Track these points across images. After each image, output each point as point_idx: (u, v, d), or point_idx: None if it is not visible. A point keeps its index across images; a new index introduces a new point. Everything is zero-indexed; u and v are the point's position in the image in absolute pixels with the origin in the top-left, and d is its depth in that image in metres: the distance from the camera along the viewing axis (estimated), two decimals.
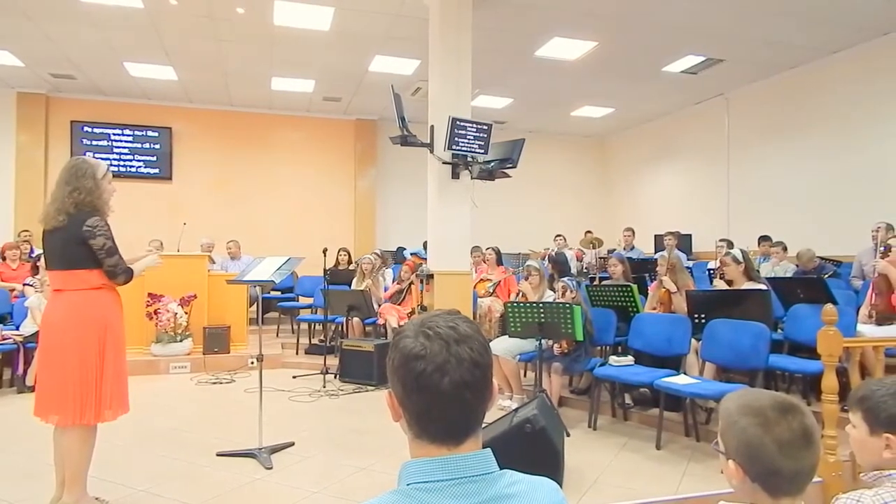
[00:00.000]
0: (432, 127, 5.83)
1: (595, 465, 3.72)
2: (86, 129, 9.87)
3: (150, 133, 10.18)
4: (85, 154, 9.65)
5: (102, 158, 9.69)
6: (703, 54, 7.95)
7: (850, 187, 7.64)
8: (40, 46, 7.74)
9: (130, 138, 10.09)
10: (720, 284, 5.22)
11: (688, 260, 8.55)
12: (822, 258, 6.84)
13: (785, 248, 7.14)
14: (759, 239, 7.77)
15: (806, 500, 1.22)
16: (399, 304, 6.93)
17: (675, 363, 4.45)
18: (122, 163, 9.97)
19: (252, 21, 6.93)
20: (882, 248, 4.57)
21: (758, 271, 5.35)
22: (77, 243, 2.81)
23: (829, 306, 3.27)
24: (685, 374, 4.31)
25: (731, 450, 1.22)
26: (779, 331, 4.90)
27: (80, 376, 2.80)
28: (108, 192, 2.97)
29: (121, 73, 8.71)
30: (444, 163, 5.72)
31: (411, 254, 8.78)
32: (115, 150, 10.00)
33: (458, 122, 5.52)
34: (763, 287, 4.79)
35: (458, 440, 0.97)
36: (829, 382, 3.26)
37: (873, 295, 4.48)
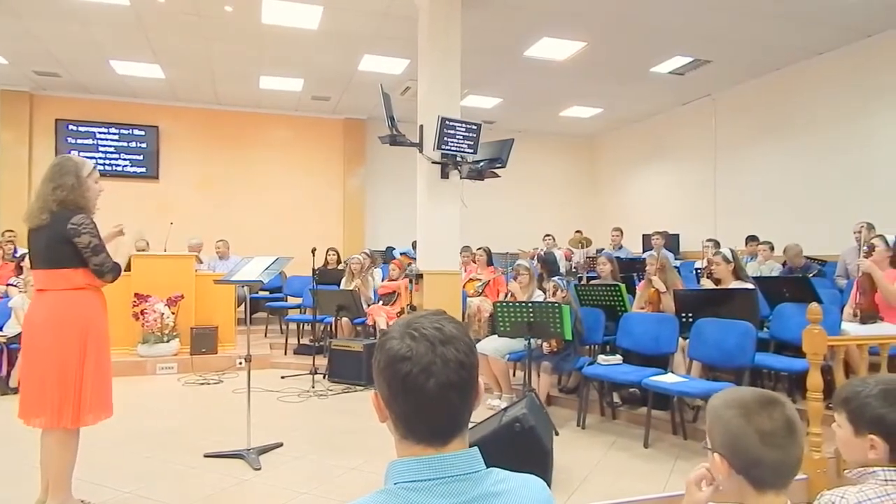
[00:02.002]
0: (421, 127, 5.82)
1: (584, 463, 3.74)
2: (70, 127, 9.76)
3: (136, 132, 10.08)
4: (70, 153, 9.58)
5: (88, 157, 9.54)
6: (691, 55, 8.01)
7: (834, 187, 7.73)
8: (24, 43, 7.64)
9: (116, 137, 9.99)
10: (707, 283, 5.26)
11: (675, 259, 8.61)
12: (807, 257, 6.93)
13: (772, 248, 7.21)
14: (746, 239, 7.85)
15: (791, 497, 1.23)
16: (390, 305, 6.92)
17: (662, 362, 4.48)
18: (107, 162, 9.86)
19: (240, 19, 6.89)
20: (866, 248, 4.63)
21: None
22: (61, 242, 2.76)
23: (814, 305, 3.31)
24: (673, 372, 4.34)
25: (717, 443, 1.25)
26: (765, 329, 4.94)
27: (59, 378, 2.74)
28: (93, 190, 2.91)
29: (106, 70, 8.62)
30: (434, 162, 5.72)
31: (401, 253, 8.77)
32: (101, 148, 9.89)
33: (447, 122, 5.52)
34: (750, 286, 4.84)
35: (444, 441, 0.97)
36: (815, 380, 3.30)
37: (857, 294, 4.53)
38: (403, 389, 0.95)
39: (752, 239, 7.79)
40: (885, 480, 1.39)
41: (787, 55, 7.94)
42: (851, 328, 4.36)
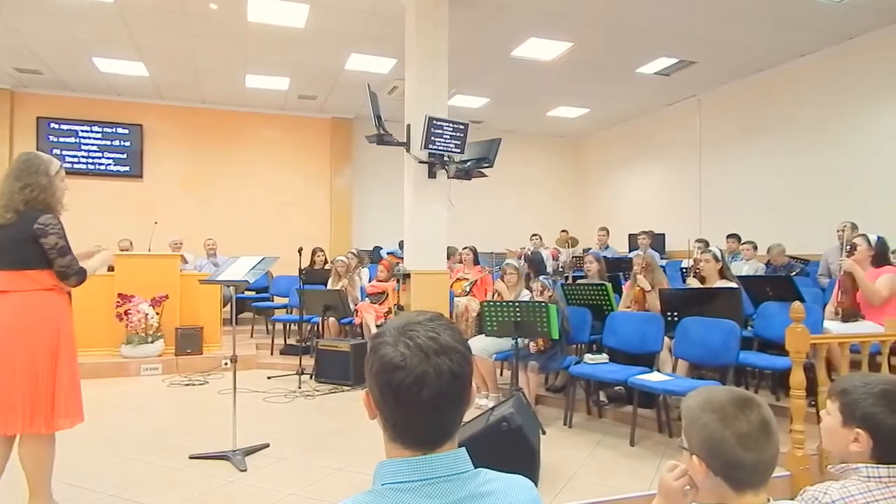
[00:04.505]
0: (409, 126, 5.81)
1: (571, 462, 3.76)
2: (52, 125, 9.62)
3: (119, 130, 9.96)
4: (52, 151, 9.43)
5: (70, 156, 9.64)
6: (676, 56, 8.08)
7: (817, 187, 7.84)
8: (5, 40, 7.51)
9: (99, 135, 9.85)
10: (693, 283, 5.31)
11: (661, 259, 8.67)
12: (790, 256, 7.02)
13: (755, 248, 7.30)
14: (727, 237, 7.94)
15: (774, 494, 1.25)
16: (379, 304, 6.90)
17: (648, 361, 4.52)
18: (90, 160, 9.73)
19: (225, 17, 6.83)
20: (848, 247, 4.69)
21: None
22: (28, 242, 2.66)
23: (796, 304, 3.35)
24: (658, 371, 4.38)
25: (694, 446, 1.25)
26: (749, 328, 5.00)
27: (30, 383, 2.64)
28: (60, 189, 2.82)
29: (89, 68, 8.50)
30: (421, 162, 5.71)
31: (388, 253, 8.75)
32: (84, 147, 9.75)
33: (434, 122, 5.51)
34: (734, 286, 4.89)
35: (433, 448, 0.97)
36: (797, 378, 3.33)
37: (839, 292, 4.59)
38: (395, 398, 0.94)
39: (731, 237, 7.88)
40: (868, 477, 1.41)
41: (771, 57, 8.03)
42: (833, 326, 4.41)
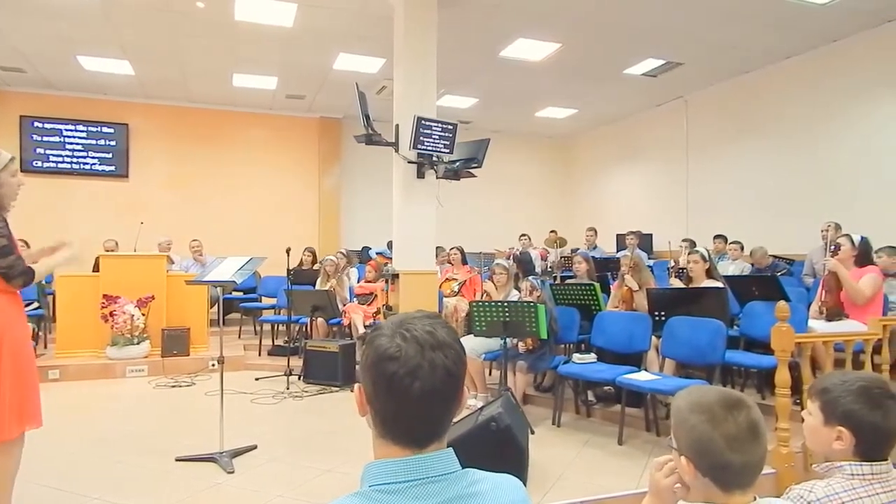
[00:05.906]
0: (397, 126, 5.80)
1: (559, 461, 3.77)
2: (36, 124, 9.49)
3: (104, 129, 9.84)
4: (35, 151, 9.34)
5: (54, 155, 9.51)
6: (663, 58, 8.13)
7: (802, 187, 7.92)
8: None
9: (84, 134, 9.73)
10: (675, 283, 5.36)
11: (648, 259, 8.73)
12: (775, 256, 7.10)
13: (742, 248, 7.37)
14: (713, 237, 8.01)
15: (760, 492, 1.26)
16: (367, 305, 6.89)
17: (636, 360, 4.55)
18: (75, 160, 9.60)
19: (212, 15, 6.77)
20: (832, 247, 4.75)
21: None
22: None
23: (782, 303, 3.38)
24: (646, 370, 4.41)
25: (683, 446, 1.26)
26: (735, 327, 5.05)
27: None
28: (9, 185, 2.65)
29: (74, 66, 8.40)
30: (410, 162, 5.71)
31: (377, 253, 8.74)
32: (68, 146, 9.63)
33: (423, 122, 5.51)
34: (720, 285, 4.94)
35: (421, 446, 0.97)
36: (783, 377, 3.37)
37: (823, 292, 4.65)
38: (387, 389, 0.94)
39: (718, 237, 7.96)
40: (851, 475, 1.43)
41: (757, 58, 8.11)
42: (818, 325, 4.47)
